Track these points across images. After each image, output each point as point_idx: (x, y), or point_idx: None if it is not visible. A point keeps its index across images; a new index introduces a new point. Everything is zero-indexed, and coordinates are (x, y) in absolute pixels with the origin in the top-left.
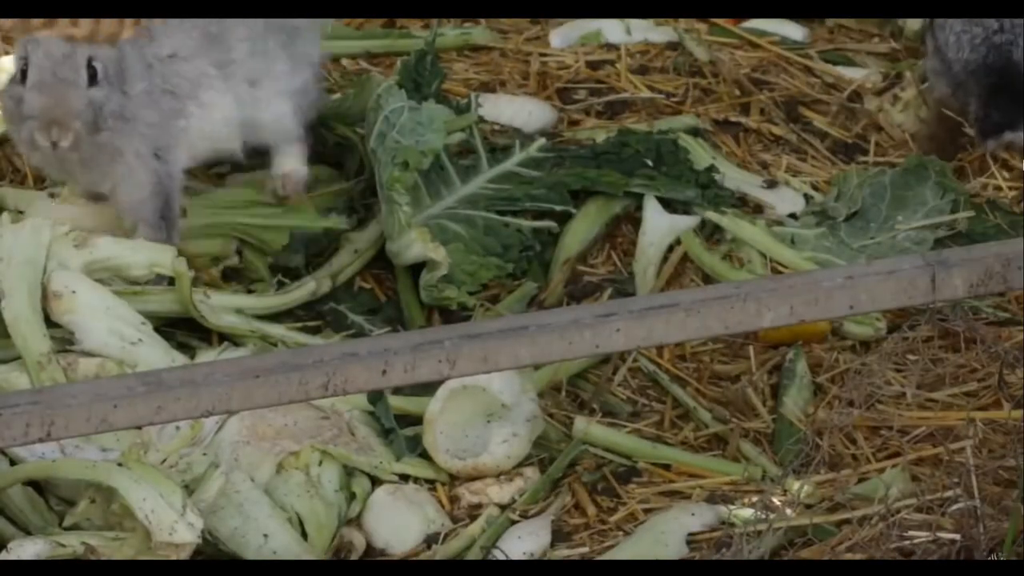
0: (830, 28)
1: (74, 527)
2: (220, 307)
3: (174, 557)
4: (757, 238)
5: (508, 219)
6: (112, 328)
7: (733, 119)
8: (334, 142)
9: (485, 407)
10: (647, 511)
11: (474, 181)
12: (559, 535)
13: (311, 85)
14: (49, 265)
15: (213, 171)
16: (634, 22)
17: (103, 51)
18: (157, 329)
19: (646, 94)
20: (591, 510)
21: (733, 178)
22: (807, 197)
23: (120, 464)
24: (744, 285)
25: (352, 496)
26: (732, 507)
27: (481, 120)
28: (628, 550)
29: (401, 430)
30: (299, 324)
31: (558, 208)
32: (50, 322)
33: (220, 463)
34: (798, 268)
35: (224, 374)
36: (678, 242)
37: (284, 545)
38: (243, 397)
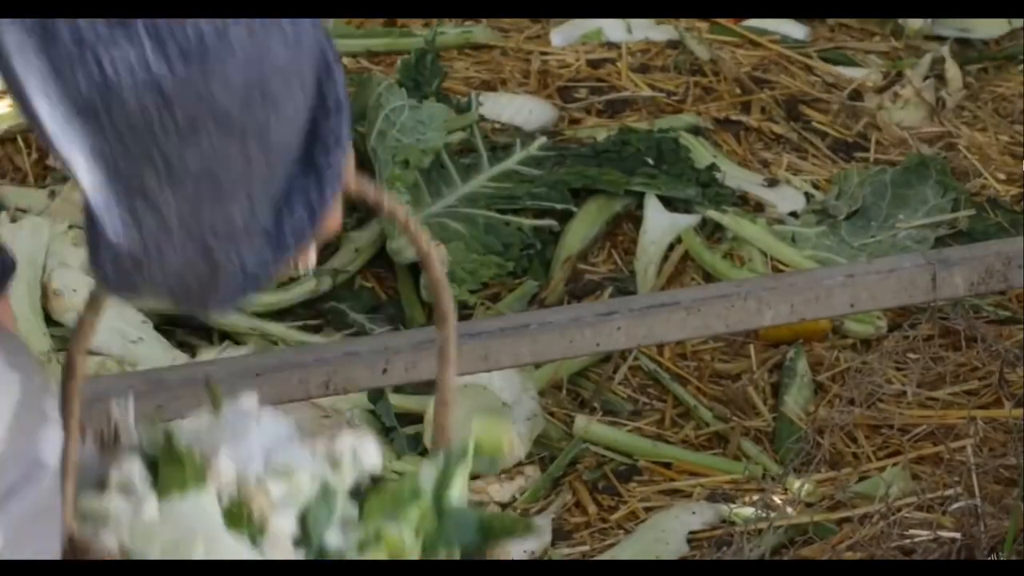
0: (831, 27)
1: None
2: None
3: None
4: (758, 236)
5: (509, 217)
6: (112, 326)
7: (734, 118)
8: None
9: (486, 405)
10: (648, 509)
11: (475, 179)
12: (560, 533)
13: None
14: (49, 263)
15: None
16: (635, 20)
17: None
18: (157, 327)
19: (647, 92)
20: (592, 508)
21: (734, 176)
22: (807, 196)
23: None
24: (745, 283)
25: None
26: (733, 505)
27: (482, 118)
28: (629, 548)
29: (402, 428)
30: (300, 322)
31: (559, 206)
32: (50, 320)
33: None
34: (799, 266)
35: (225, 372)
36: (679, 240)
37: None
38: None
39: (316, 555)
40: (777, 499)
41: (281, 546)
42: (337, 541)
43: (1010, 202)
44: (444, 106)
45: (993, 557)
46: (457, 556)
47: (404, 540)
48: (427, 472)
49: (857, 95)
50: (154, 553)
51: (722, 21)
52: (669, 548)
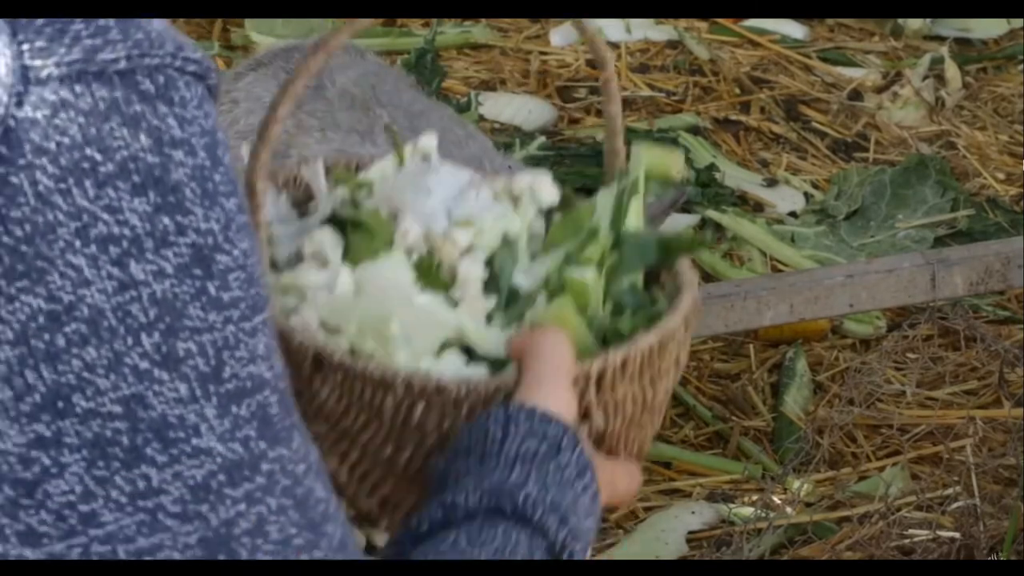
0: (830, 27)
1: None
2: None
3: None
4: (758, 236)
5: None
6: None
7: (733, 117)
8: None
9: None
10: (647, 509)
11: None
12: None
13: None
14: None
15: None
16: (634, 20)
17: None
18: None
19: (646, 92)
20: None
21: (733, 176)
22: (807, 195)
23: None
24: (745, 283)
25: None
26: (732, 505)
27: (481, 118)
28: (628, 548)
29: None
30: None
31: None
32: None
33: None
34: (798, 266)
35: None
36: None
37: None
38: None
39: (505, 298)
40: (776, 499)
41: (471, 292)
42: (524, 282)
43: (1009, 202)
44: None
45: (992, 557)
46: (639, 280)
47: (587, 282)
48: (603, 201)
49: (856, 95)
50: (351, 327)
51: (722, 21)
52: (669, 548)
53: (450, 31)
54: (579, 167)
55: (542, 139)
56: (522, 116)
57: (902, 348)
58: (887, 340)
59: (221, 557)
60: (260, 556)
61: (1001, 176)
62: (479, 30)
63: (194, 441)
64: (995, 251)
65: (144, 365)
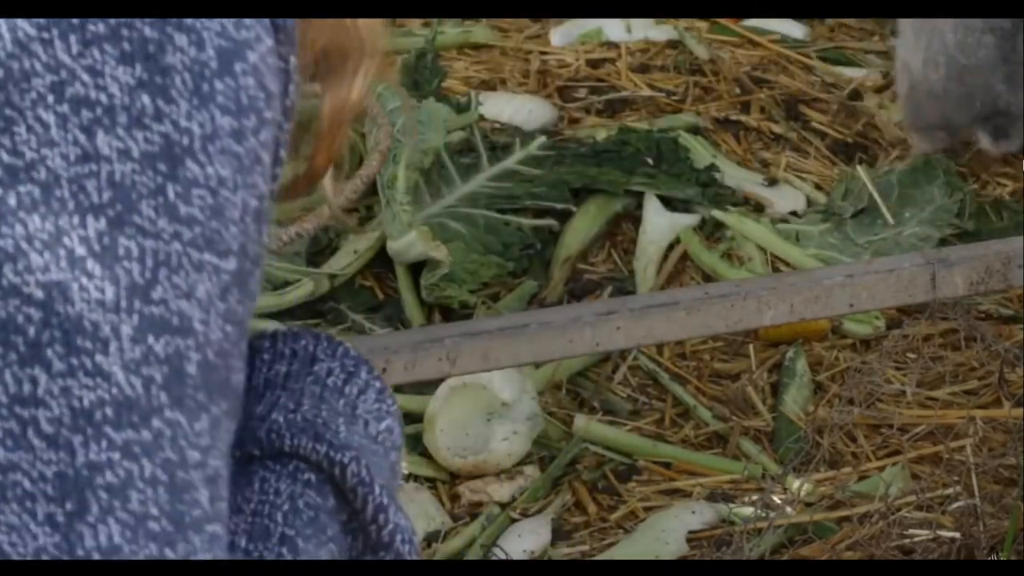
0: (830, 27)
1: None
2: None
3: None
4: (762, 235)
5: (508, 217)
6: None
7: (733, 117)
8: None
9: (485, 405)
10: (647, 509)
11: (475, 179)
12: (559, 533)
13: None
14: None
15: None
16: (634, 20)
17: None
18: None
19: (646, 92)
20: (591, 508)
21: (733, 176)
22: (808, 197)
23: None
24: (745, 283)
25: None
26: (732, 505)
27: (481, 118)
28: (629, 548)
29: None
30: (298, 323)
31: (558, 206)
32: None
33: None
34: (803, 264)
35: None
36: (678, 240)
37: None
38: None
39: None
40: (776, 499)
41: None
42: None
43: (1012, 201)
44: (444, 106)
45: (993, 557)
46: None
47: None
48: None
49: (856, 95)
50: None
51: (722, 21)
52: (669, 548)
53: (450, 31)
54: (579, 167)
55: (542, 139)
56: (522, 116)
57: (902, 348)
58: (887, 340)
59: (69, 505)
60: (110, 520)
61: (1004, 178)
62: (479, 30)
63: (97, 358)
64: (995, 251)
65: (81, 251)
